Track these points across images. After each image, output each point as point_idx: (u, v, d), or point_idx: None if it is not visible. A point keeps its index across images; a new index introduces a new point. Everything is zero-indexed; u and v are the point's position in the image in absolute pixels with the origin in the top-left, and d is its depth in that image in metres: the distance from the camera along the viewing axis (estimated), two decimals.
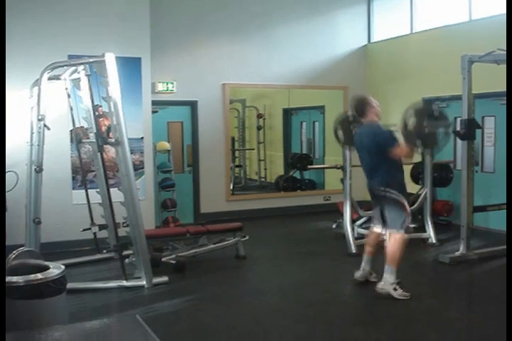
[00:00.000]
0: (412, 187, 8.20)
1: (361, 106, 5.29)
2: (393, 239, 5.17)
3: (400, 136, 5.08)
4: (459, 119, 6.37)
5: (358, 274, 5.53)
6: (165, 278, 5.61)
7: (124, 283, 5.50)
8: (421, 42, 9.26)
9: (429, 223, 7.33)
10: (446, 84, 8.03)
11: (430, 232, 7.26)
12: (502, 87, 7.49)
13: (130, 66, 7.26)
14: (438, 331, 4.41)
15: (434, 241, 7.19)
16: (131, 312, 4.64)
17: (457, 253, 6.29)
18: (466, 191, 6.32)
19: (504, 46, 6.02)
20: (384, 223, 5.29)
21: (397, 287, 5.08)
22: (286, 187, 10.18)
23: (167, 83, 8.61)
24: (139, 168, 7.34)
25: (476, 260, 6.30)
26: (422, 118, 5.01)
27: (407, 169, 8.23)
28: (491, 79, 7.24)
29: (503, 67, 6.54)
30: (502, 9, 7.96)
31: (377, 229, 5.40)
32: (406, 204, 5.16)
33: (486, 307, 4.93)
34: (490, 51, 6.15)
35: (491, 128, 8.08)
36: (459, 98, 6.49)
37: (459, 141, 6.51)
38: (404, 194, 5.23)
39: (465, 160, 6.35)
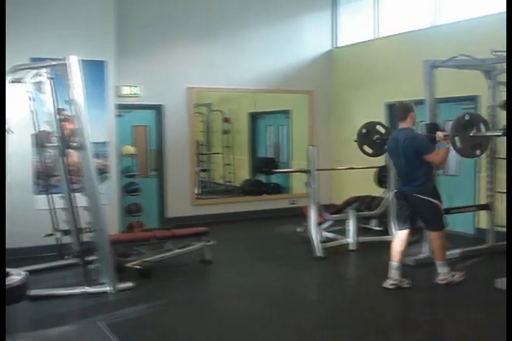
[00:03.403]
0: (376, 191, 8.30)
1: (405, 111, 5.52)
2: (434, 238, 5.58)
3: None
4: (422, 123, 6.44)
5: (388, 284, 5.48)
6: (130, 284, 5.55)
7: (88, 289, 5.41)
8: (385, 47, 9.37)
9: (393, 226, 7.40)
10: (410, 89, 8.12)
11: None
12: (464, 91, 7.67)
13: (94, 69, 7.17)
14: (405, 332, 4.45)
15: None
16: (94, 318, 4.56)
17: (421, 256, 6.37)
18: None
19: (467, 51, 6.13)
20: (414, 223, 5.60)
21: (453, 273, 5.58)
22: (252, 192, 10.17)
23: (132, 87, 8.55)
24: (103, 172, 7.25)
25: None
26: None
27: (371, 172, 8.35)
28: (454, 84, 7.37)
29: (465, 72, 6.67)
30: (465, 15, 8.12)
31: (403, 231, 5.58)
32: (441, 206, 5.49)
33: (452, 308, 5.00)
34: (452, 56, 6.25)
35: None
36: (422, 102, 6.57)
37: None
38: (438, 197, 5.52)
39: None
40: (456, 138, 5.47)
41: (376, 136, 6.64)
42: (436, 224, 5.57)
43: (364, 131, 6.61)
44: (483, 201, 7.18)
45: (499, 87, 6.74)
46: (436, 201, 5.45)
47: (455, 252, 6.51)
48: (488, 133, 5.52)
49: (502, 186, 6.89)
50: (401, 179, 5.69)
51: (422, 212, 5.54)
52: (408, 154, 5.40)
